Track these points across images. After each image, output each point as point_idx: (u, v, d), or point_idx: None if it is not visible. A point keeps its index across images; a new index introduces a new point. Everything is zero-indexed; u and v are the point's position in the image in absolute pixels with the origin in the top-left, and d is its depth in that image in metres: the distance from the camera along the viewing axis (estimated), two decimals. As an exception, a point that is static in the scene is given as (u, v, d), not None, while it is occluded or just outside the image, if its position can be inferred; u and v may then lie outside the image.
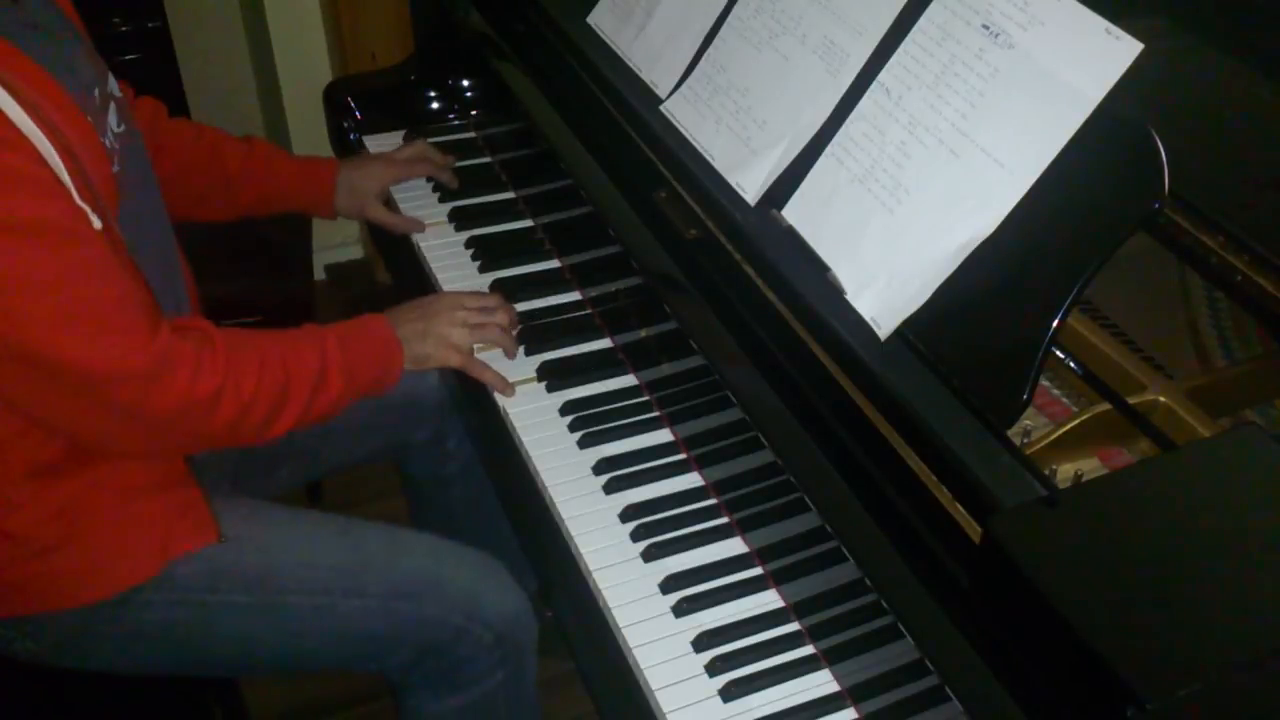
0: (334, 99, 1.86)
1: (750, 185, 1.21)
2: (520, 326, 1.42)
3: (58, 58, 1.09)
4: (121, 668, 1.29)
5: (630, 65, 1.43)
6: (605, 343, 1.44)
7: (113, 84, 1.22)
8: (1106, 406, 1.03)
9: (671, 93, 1.35)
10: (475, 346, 1.38)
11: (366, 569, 1.29)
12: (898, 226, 1.06)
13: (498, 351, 1.40)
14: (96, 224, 1.05)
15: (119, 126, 1.19)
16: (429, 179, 1.70)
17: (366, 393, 1.29)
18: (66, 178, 1.02)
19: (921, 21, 1.09)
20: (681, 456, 1.28)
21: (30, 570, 1.19)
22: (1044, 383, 1.13)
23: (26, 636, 1.23)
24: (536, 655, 1.38)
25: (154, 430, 1.14)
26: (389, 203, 1.67)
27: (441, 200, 1.68)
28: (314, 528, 1.32)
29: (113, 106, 1.19)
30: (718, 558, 1.17)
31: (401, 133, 1.81)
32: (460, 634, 1.30)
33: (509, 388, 1.35)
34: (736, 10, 1.30)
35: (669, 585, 1.14)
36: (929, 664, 0.92)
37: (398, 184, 1.68)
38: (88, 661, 1.28)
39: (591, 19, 1.52)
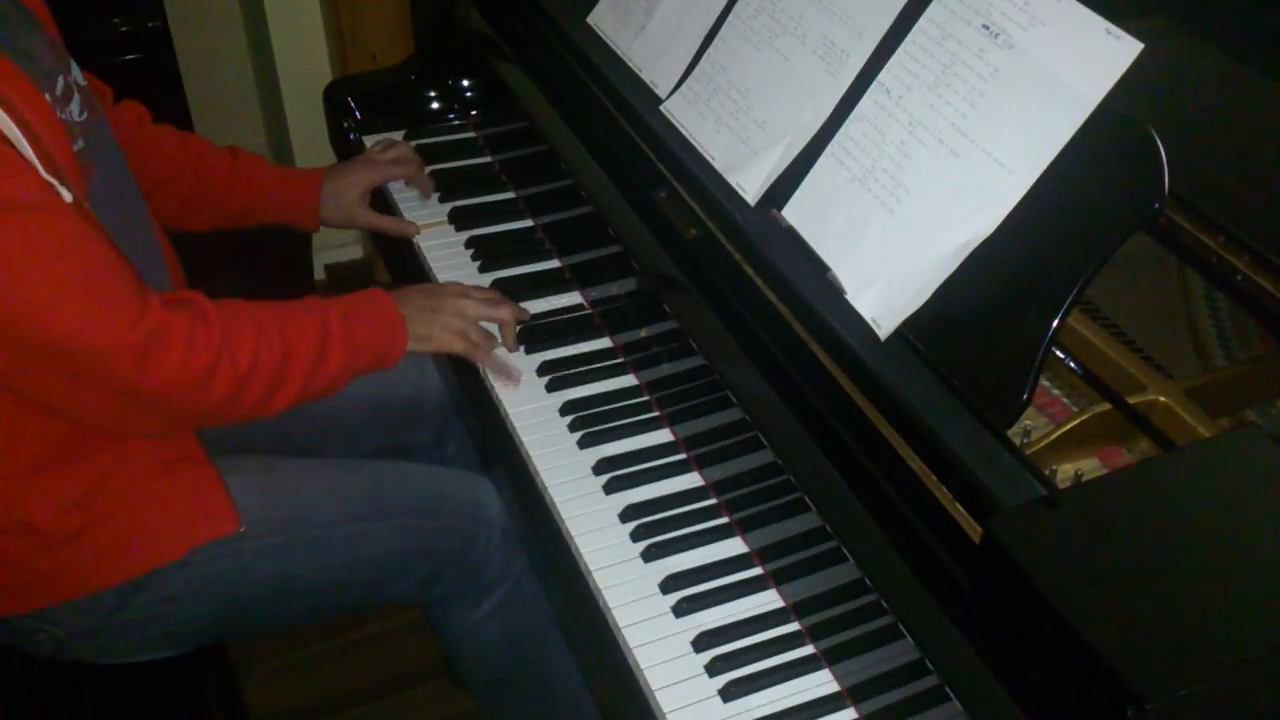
0: (334, 99, 1.86)
1: (750, 185, 1.21)
2: (521, 325, 1.42)
3: (13, 44, 1.08)
4: (154, 644, 1.30)
5: (630, 65, 1.43)
6: (605, 343, 1.44)
7: (76, 73, 1.21)
8: (1106, 406, 1.03)
9: (671, 93, 1.35)
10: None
11: (383, 494, 1.35)
12: (898, 226, 1.06)
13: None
14: (67, 197, 1.04)
15: (81, 115, 1.18)
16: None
17: (367, 369, 1.29)
18: (30, 152, 1.01)
19: (921, 21, 1.09)
20: (681, 456, 1.28)
21: (56, 560, 1.19)
22: (1044, 383, 1.12)
23: (55, 625, 1.23)
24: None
25: (149, 407, 1.14)
26: (388, 205, 1.66)
27: (441, 200, 1.67)
28: (325, 468, 1.38)
29: (76, 97, 1.18)
30: (718, 558, 1.17)
31: (401, 133, 1.81)
32: (472, 538, 1.37)
33: (512, 376, 1.35)
34: (736, 10, 1.30)
35: (669, 585, 1.14)
36: (929, 664, 0.92)
37: (380, 184, 1.66)
38: (116, 648, 1.28)
39: (591, 19, 1.52)
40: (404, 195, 1.68)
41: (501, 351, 1.39)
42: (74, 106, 1.17)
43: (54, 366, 1.06)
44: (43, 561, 1.19)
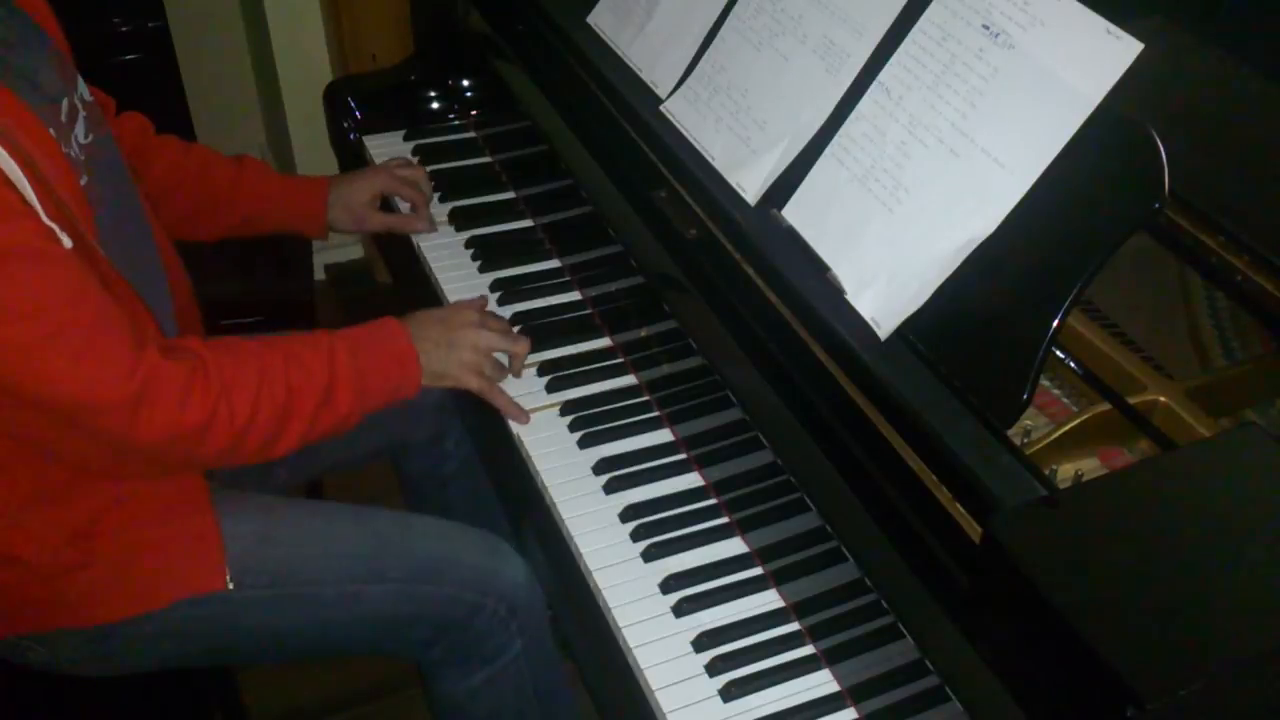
0: (334, 99, 1.86)
1: (750, 185, 1.21)
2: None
3: (20, 72, 1.07)
4: (145, 667, 1.29)
5: (630, 65, 1.43)
6: (605, 343, 1.44)
7: (83, 89, 1.20)
8: (1106, 406, 1.04)
9: (671, 93, 1.35)
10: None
11: (385, 555, 1.30)
12: (898, 226, 1.06)
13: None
14: (67, 243, 1.02)
15: (86, 137, 1.16)
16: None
17: (379, 407, 1.26)
18: (33, 196, 0.99)
19: (921, 21, 1.09)
20: (681, 456, 1.28)
21: (43, 592, 1.18)
22: (1044, 383, 1.13)
23: (43, 647, 1.23)
24: (549, 619, 1.39)
25: (141, 458, 1.13)
26: (388, 208, 1.66)
27: (442, 200, 1.67)
28: (328, 519, 1.33)
29: (81, 117, 1.16)
30: (718, 558, 1.17)
31: (401, 132, 1.81)
32: (476, 609, 1.31)
33: (525, 416, 1.33)
34: (736, 10, 1.30)
35: (669, 585, 1.14)
36: (929, 664, 0.92)
37: (390, 194, 1.64)
38: (107, 667, 1.27)
39: (591, 19, 1.52)
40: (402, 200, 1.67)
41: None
42: (80, 129, 1.15)
43: (43, 415, 1.06)
44: (29, 592, 1.18)
